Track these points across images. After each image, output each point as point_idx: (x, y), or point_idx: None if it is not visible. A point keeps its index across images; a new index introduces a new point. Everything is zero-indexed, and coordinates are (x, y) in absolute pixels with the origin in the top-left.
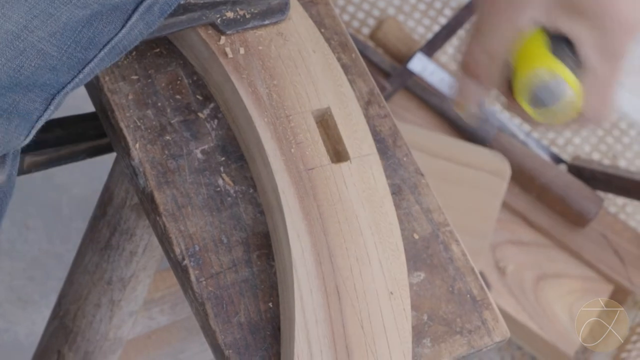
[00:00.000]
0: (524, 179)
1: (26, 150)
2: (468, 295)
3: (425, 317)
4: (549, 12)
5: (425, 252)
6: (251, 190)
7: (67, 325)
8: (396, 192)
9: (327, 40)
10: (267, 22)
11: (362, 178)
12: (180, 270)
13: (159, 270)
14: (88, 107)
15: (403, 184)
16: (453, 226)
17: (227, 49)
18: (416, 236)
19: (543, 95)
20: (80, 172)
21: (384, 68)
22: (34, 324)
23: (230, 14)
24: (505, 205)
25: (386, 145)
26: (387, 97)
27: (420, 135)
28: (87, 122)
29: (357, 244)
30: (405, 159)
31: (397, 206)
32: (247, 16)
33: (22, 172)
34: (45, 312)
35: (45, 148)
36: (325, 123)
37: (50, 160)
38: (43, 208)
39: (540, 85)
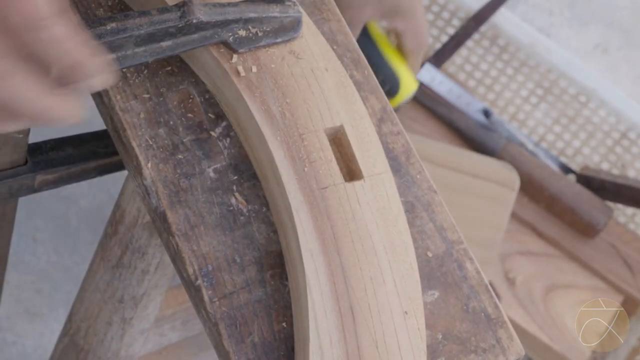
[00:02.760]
0: (533, 189)
1: (37, 168)
2: (482, 314)
3: (439, 336)
4: (381, 14)
5: (439, 270)
6: (264, 209)
7: (78, 343)
8: (409, 210)
9: (340, 57)
10: (279, 40)
11: (376, 197)
12: (193, 290)
13: (170, 287)
14: (97, 122)
15: (416, 202)
16: (466, 243)
17: (240, 68)
18: (430, 254)
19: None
20: (87, 184)
21: None
22: (42, 337)
23: (242, 32)
24: (514, 216)
25: (399, 163)
26: (396, 108)
27: (429, 146)
28: (99, 141)
29: (371, 263)
30: (418, 176)
31: (411, 224)
32: (260, 34)
33: (33, 190)
34: (54, 325)
35: (57, 166)
36: (339, 141)
37: (61, 179)
38: (51, 220)
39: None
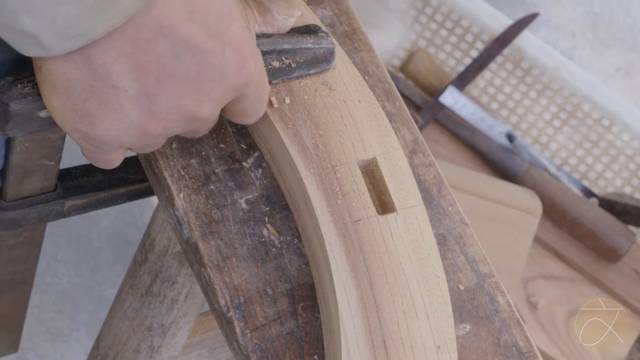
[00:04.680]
0: (555, 213)
1: (67, 194)
2: (514, 348)
3: None
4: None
5: (471, 303)
6: (296, 241)
7: None
8: (441, 242)
9: (371, 87)
10: (312, 71)
11: (409, 230)
12: (225, 322)
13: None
14: None
15: (448, 234)
16: (498, 277)
17: (273, 99)
18: (461, 287)
19: None
20: None
21: (415, 101)
22: (63, 357)
23: (275, 64)
24: (537, 240)
25: (431, 195)
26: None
27: (452, 172)
28: (128, 167)
29: (404, 296)
30: (450, 208)
31: (442, 257)
32: (293, 65)
33: (62, 215)
34: (75, 346)
35: (86, 192)
36: (371, 173)
37: (90, 204)
38: (72, 240)
39: None
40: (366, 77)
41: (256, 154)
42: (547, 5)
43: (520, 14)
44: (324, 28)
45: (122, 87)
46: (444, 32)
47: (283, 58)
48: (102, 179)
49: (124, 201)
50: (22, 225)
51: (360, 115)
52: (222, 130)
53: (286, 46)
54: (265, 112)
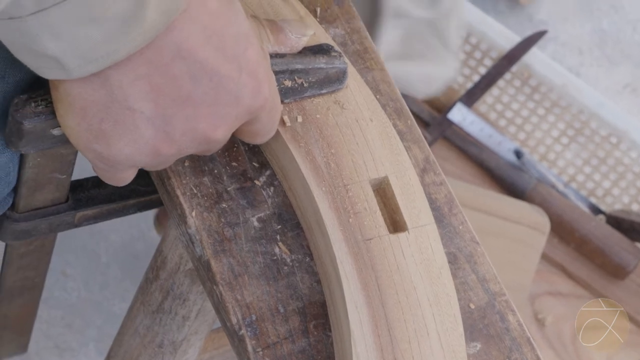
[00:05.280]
0: (563, 230)
1: (78, 206)
2: None
3: None
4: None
5: (482, 322)
6: (307, 259)
7: None
8: (452, 261)
9: (383, 106)
10: (324, 91)
11: (420, 249)
12: (236, 340)
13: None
14: None
15: (459, 253)
16: (509, 295)
17: (285, 117)
18: (472, 306)
19: None
20: (118, 218)
21: (423, 117)
22: None
23: (288, 83)
24: (544, 257)
25: (442, 214)
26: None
27: (460, 189)
28: (139, 178)
29: (416, 315)
30: (461, 227)
31: (453, 275)
32: (305, 85)
33: (73, 225)
34: None
35: (97, 204)
36: (383, 192)
37: (101, 215)
38: (81, 255)
39: None
40: (377, 96)
41: (268, 172)
42: (555, 23)
43: (529, 31)
44: (336, 47)
45: (138, 109)
46: None
47: (295, 78)
48: (113, 190)
49: (135, 212)
50: (33, 235)
51: (372, 134)
52: (234, 149)
53: (299, 66)
54: (278, 131)
